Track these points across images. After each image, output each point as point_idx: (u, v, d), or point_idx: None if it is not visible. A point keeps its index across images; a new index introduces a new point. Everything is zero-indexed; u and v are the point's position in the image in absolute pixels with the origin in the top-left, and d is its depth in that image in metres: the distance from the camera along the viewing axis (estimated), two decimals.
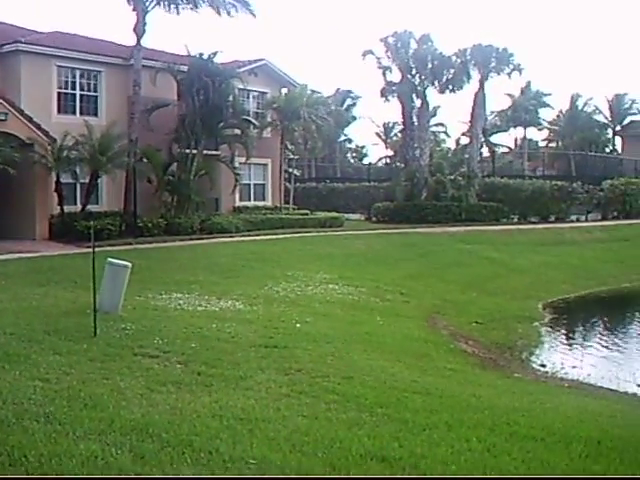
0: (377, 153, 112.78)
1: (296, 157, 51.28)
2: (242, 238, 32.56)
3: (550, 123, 78.17)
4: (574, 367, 17.12)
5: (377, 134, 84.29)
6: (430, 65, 45.91)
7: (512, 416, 9.23)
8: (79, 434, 6.83)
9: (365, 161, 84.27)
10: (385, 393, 9.99)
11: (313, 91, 45.43)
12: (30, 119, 29.81)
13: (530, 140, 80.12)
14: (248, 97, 40.29)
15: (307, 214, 41.01)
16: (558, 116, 77.30)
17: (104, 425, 7.14)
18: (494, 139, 72.93)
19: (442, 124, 78.46)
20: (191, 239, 31.53)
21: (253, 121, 38.39)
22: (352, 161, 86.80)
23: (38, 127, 29.94)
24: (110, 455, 6.29)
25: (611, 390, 14.82)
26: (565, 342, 20.86)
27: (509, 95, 73.30)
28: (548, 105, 74.35)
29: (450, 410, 9.25)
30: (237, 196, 38.84)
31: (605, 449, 7.85)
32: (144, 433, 6.94)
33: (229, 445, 6.77)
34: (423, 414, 8.86)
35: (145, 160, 32.83)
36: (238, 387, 9.49)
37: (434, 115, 69.26)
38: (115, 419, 7.36)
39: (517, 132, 77.27)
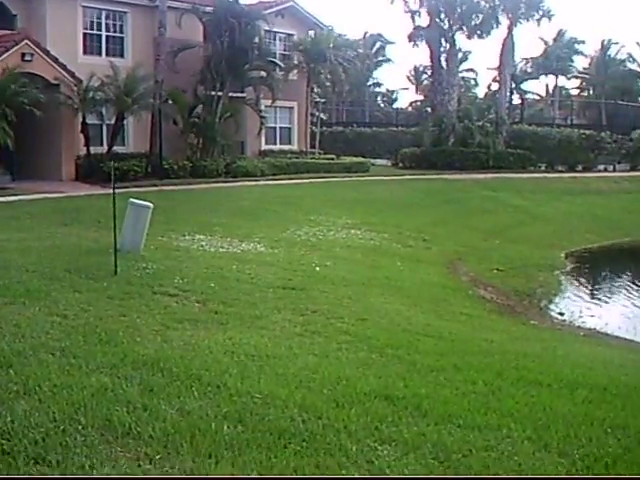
0: (408, 98, 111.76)
1: (323, 100, 50.96)
2: (267, 182, 32.64)
3: (582, 71, 76.78)
4: (592, 316, 17.17)
5: (407, 77, 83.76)
6: (459, 10, 45.36)
7: (522, 361, 9.34)
8: (92, 367, 7.02)
9: (396, 106, 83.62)
10: (397, 335, 10.13)
11: (340, 34, 45.07)
12: (56, 60, 29.85)
13: (562, 88, 79.06)
14: (274, 39, 39.97)
15: (333, 159, 40.93)
16: (590, 64, 75.88)
17: (117, 359, 7.31)
18: (525, 86, 72.18)
19: (472, 70, 77.72)
20: (216, 182, 31.64)
21: (279, 63, 38.17)
22: (382, 105, 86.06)
23: (64, 68, 29.99)
24: (120, 387, 6.47)
25: (627, 340, 14.86)
26: (585, 291, 20.87)
27: (542, 40, 72.20)
28: (581, 53, 73.26)
29: (460, 353, 9.38)
30: (263, 140, 38.83)
31: (610, 396, 7.91)
32: (155, 367, 7.10)
33: (237, 380, 6.92)
34: (433, 357, 8.98)
35: (170, 102, 32.87)
36: (253, 326, 9.66)
37: (465, 60, 68.65)
38: (128, 354, 7.53)
39: (549, 80, 76.35)
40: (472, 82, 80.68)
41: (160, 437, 5.58)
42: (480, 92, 79.79)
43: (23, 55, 28.90)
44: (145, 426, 5.71)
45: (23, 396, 6.19)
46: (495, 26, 46.01)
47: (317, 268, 15.78)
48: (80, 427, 5.63)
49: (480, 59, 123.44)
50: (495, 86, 63.05)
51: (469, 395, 7.40)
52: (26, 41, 29.16)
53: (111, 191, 13.15)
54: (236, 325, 9.55)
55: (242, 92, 36.38)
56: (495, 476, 5.57)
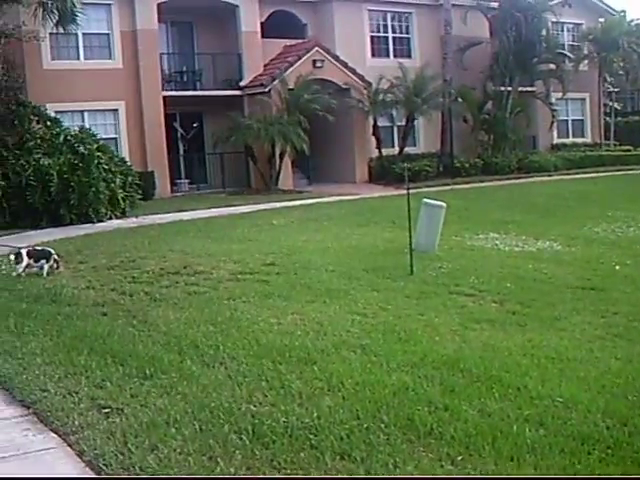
0: None
1: (616, 89, 48.81)
2: (560, 177, 31.80)
3: None
4: None
5: None
6: None
7: None
8: (392, 366, 7.16)
9: None
10: None
11: (632, 19, 43.00)
12: (345, 64, 30.89)
13: None
14: (562, 30, 39.04)
15: (630, 150, 39.10)
16: None
17: (416, 358, 7.41)
18: None
19: None
20: (508, 178, 31.38)
21: (568, 54, 37.17)
22: None
23: (353, 72, 30.95)
24: (420, 387, 6.55)
25: None
26: None
27: None
28: None
29: None
30: (554, 133, 37.94)
31: None
32: (455, 368, 7.11)
33: (538, 383, 6.77)
34: None
35: (460, 100, 32.96)
36: (552, 328, 9.38)
37: None
38: (427, 353, 7.60)
39: None
40: None
41: (461, 438, 5.58)
42: None
43: (314, 62, 30.23)
44: (446, 426, 5.74)
45: (327, 393, 6.45)
46: None
47: (617, 267, 15.06)
48: (383, 425, 5.76)
49: None
50: None
51: None
52: (317, 48, 30.45)
53: (404, 192, 13.36)
54: (534, 327, 9.33)
55: (531, 86, 35.89)
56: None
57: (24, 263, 12.53)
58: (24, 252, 12.74)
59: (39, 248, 13.28)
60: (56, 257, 12.79)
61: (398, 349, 7.77)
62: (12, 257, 12.96)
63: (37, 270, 12.59)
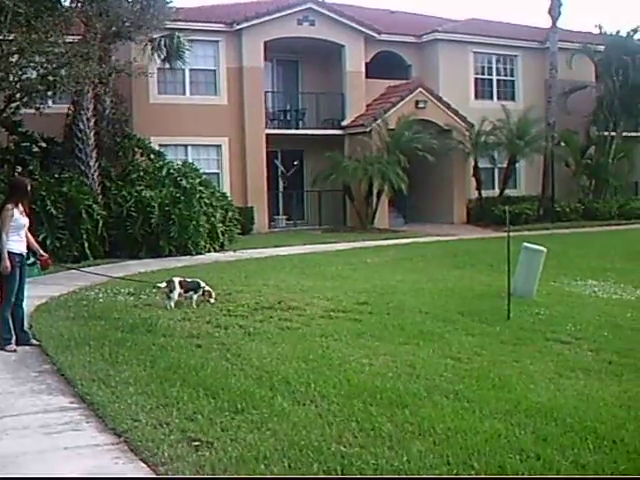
0: None
1: None
2: None
3: None
4: None
5: None
6: None
7: None
8: (485, 412, 7.03)
9: None
10: None
11: None
12: (448, 106, 30.96)
13: None
14: None
15: None
16: None
17: (510, 406, 7.27)
18: None
19: None
20: (608, 224, 30.88)
21: None
22: None
23: (456, 113, 30.97)
24: (513, 435, 6.41)
25: None
26: None
27: None
28: None
29: None
30: None
31: None
32: (548, 416, 6.95)
33: (635, 436, 6.54)
34: None
35: (562, 144, 32.63)
36: None
37: None
38: (521, 401, 7.45)
39: None
40: None
41: None
42: None
43: (417, 103, 30.42)
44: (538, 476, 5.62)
45: (418, 437, 6.36)
46: None
47: None
48: (473, 472, 5.65)
49: None
50: None
51: None
52: (420, 89, 30.64)
53: (503, 234, 13.25)
54: (631, 377, 9.02)
55: (636, 131, 35.32)
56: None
57: (176, 293, 12.43)
58: (176, 281, 12.57)
59: (189, 279, 13.00)
60: (208, 289, 12.76)
61: (491, 396, 7.64)
62: (162, 285, 12.87)
63: (187, 301, 12.57)
